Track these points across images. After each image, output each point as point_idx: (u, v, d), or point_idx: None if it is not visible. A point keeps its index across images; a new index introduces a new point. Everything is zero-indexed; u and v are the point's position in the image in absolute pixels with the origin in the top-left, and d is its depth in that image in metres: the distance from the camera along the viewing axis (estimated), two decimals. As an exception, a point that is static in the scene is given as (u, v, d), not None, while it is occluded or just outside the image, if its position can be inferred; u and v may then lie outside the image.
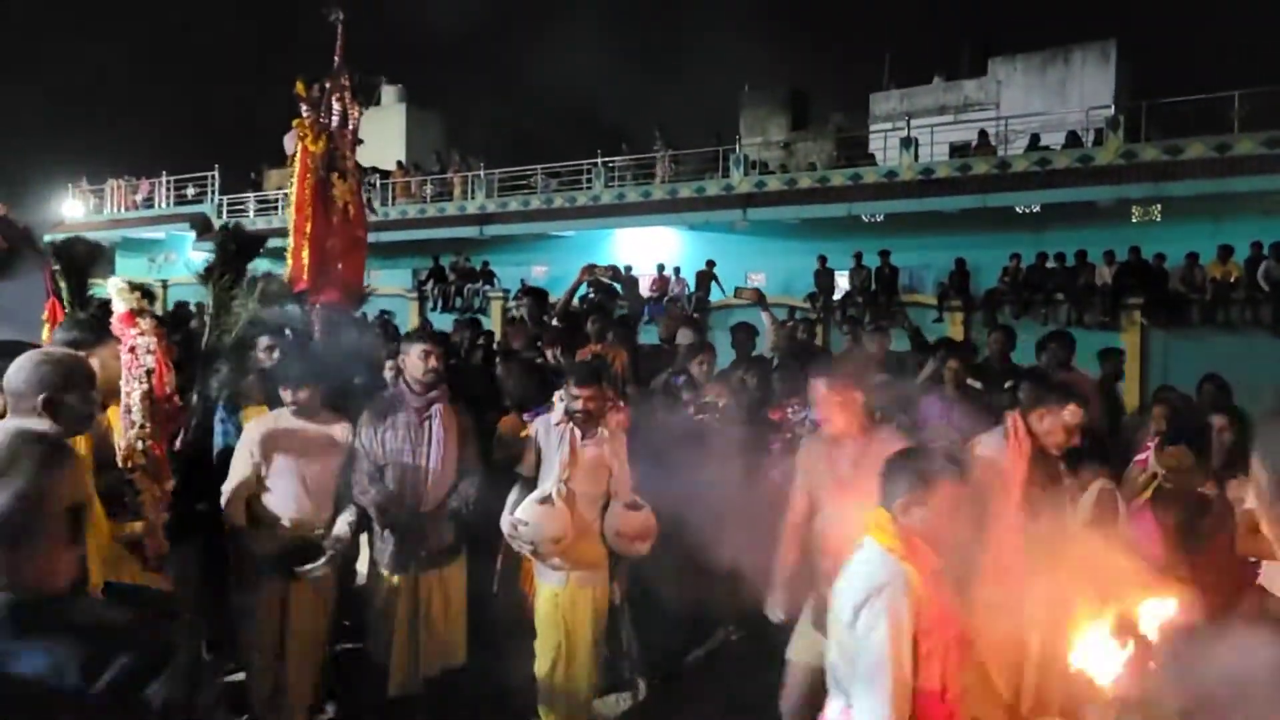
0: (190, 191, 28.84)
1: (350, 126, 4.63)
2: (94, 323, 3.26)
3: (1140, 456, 4.73)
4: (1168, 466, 4.25)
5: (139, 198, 29.61)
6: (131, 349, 3.09)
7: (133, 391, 3.08)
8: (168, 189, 28.99)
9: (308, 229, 4.23)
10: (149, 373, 3.09)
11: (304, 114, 4.34)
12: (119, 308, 3.12)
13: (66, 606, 1.53)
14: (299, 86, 4.34)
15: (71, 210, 30.19)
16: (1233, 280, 14.25)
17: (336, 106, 4.52)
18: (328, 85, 4.45)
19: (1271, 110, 15.33)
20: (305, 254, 4.24)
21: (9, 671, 1.38)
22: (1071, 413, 3.58)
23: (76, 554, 1.62)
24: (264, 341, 4.43)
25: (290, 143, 4.36)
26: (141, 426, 3.04)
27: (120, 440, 3.10)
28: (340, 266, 4.58)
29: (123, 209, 29.40)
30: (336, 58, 4.55)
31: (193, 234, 27.10)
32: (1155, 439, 4.60)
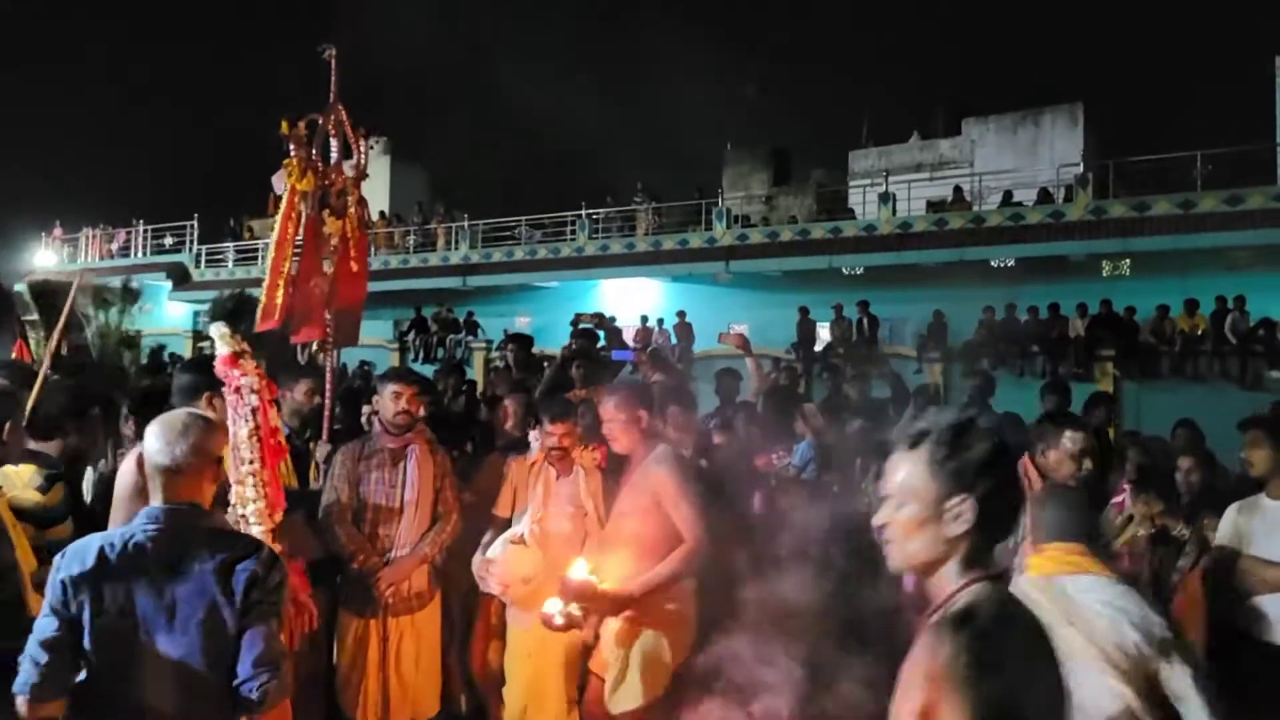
0: (168, 241, 28.84)
1: (355, 160, 4.57)
2: (206, 367, 3.41)
3: (1116, 500, 4.86)
4: (1139, 511, 4.38)
5: (115, 246, 29.54)
6: (236, 389, 3.22)
7: (239, 430, 3.18)
8: (145, 238, 28.96)
9: (285, 268, 4.11)
10: (254, 411, 3.22)
11: (292, 152, 4.23)
12: (221, 351, 3.26)
13: None
14: (284, 125, 4.26)
15: (44, 259, 29.99)
16: (1200, 333, 14.62)
17: (334, 142, 4.45)
18: (319, 121, 4.37)
19: (1231, 169, 15.89)
20: (280, 293, 4.09)
21: None
22: (1071, 439, 3.60)
23: None
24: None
25: (279, 182, 4.28)
26: (251, 463, 3.15)
27: (231, 477, 3.18)
28: (333, 305, 4.50)
29: (98, 258, 29.28)
30: (331, 92, 4.50)
31: (169, 283, 27.09)
32: (1130, 483, 4.74)
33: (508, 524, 4.24)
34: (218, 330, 3.26)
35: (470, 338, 20.94)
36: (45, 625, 2.17)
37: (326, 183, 4.37)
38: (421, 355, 20.80)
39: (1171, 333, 14.90)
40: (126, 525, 2.32)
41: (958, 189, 19.44)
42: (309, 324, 4.34)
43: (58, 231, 30.70)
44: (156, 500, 2.29)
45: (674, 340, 18.85)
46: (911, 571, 1.64)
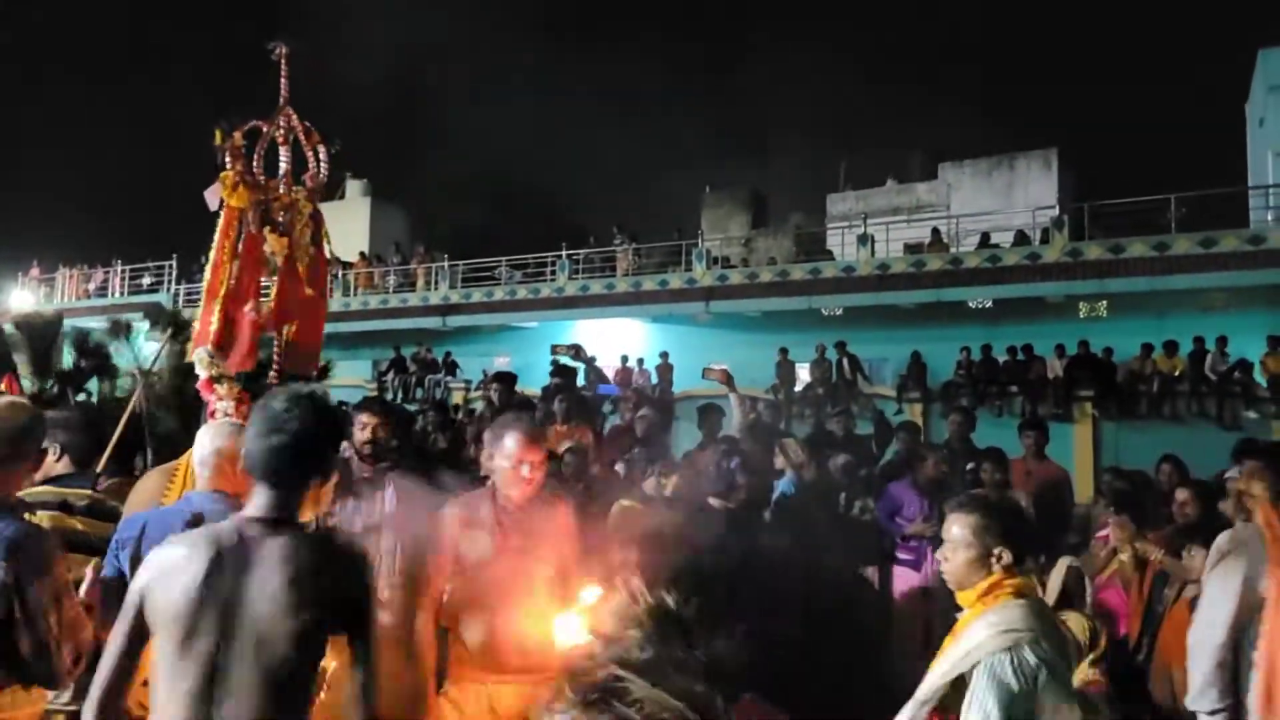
0: (146, 280, 28.65)
1: (311, 171, 4.11)
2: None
3: (1101, 533, 4.82)
4: (1118, 540, 4.34)
5: (92, 286, 29.30)
6: (211, 413, 3.23)
7: None
8: (122, 278, 28.76)
9: (221, 291, 3.76)
10: None
11: (225, 164, 3.79)
12: (200, 375, 3.27)
13: None
14: (217, 135, 3.82)
15: (20, 300, 29.71)
16: (1178, 373, 14.73)
17: (284, 151, 4.00)
18: (263, 128, 3.94)
19: (1204, 212, 16.15)
20: (214, 317, 3.73)
21: None
22: None
23: None
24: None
25: (213, 198, 3.88)
26: None
27: None
28: (280, 332, 4.06)
29: (74, 298, 29.02)
30: (281, 95, 4.02)
31: (145, 324, 26.82)
32: (1114, 515, 4.70)
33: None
34: (198, 355, 3.29)
35: (449, 378, 20.82)
36: None
37: (269, 198, 3.95)
38: (400, 395, 20.62)
39: (1150, 373, 15.01)
40: None
41: (935, 231, 19.65)
42: (238, 352, 3.86)
43: (35, 271, 30.44)
44: None
45: (654, 380, 18.80)
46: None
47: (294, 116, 4.02)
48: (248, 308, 3.87)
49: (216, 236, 3.84)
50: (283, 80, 4.03)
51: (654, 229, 23.34)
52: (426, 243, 26.53)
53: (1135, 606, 4.09)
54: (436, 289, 23.55)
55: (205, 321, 3.77)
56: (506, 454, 3.26)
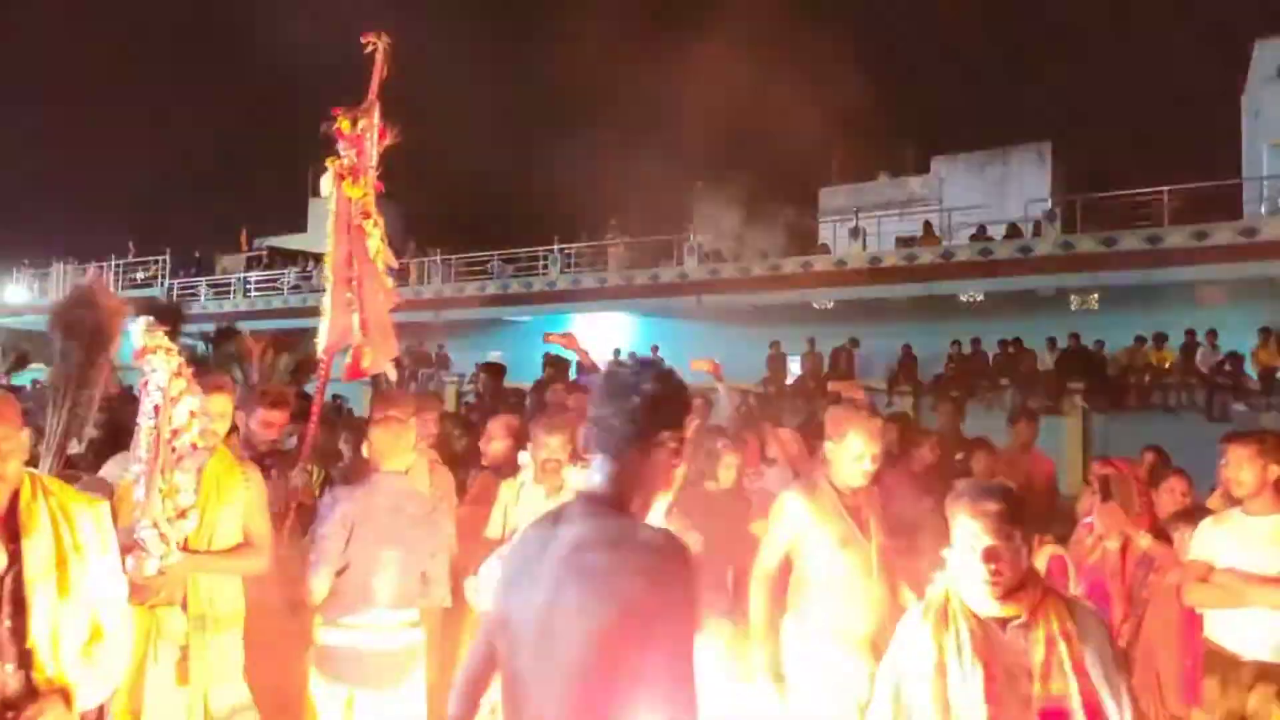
0: (140, 275, 28.57)
1: (377, 170, 4.13)
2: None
3: (1086, 520, 4.81)
4: (1108, 526, 4.33)
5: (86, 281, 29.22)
6: (144, 384, 3.01)
7: (142, 426, 2.98)
8: (117, 273, 28.67)
9: (350, 289, 3.83)
10: (156, 409, 2.97)
11: (341, 153, 3.78)
12: (135, 344, 3.03)
13: None
14: (343, 122, 3.80)
15: (14, 295, 29.62)
16: (1167, 366, 14.75)
17: (368, 145, 3.96)
18: (361, 121, 3.90)
19: (1198, 205, 16.15)
20: (355, 319, 3.81)
21: None
22: None
23: None
24: None
25: (326, 185, 3.84)
26: (142, 462, 2.93)
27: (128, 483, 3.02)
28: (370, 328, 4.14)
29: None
30: (372, 88, 3.94)
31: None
32: (1099, 503, 4.69)
33: (499, 545, 4.15)
34: (136, 325, 3.06)
35: (443, 372, 20.77)
36: None
37: (367, 192, 4.01)
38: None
39: (1140, 365, 15.02)
40: None
41: (927, 224, 19.63)
42: (386, 343, 4.08)
43: (27, 268, 30.35)
44: None
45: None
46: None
47: (378, 112, 4.03)
48: (350, 298, 3.98)
49: (335, 229, 3.87)
50: (375, 73, 4.01)
51: (646, 223, 23.30)
52: (418, 237, 26.48)
53: (1120, 593, 4.08)
54: (429, 283, 23.49)
55: (338, 323, 3.85)
56: (851, 449, 3.51)
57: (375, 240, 4.00)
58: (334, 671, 3.46)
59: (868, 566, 3.49)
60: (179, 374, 3.02)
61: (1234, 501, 3.77)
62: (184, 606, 3.16)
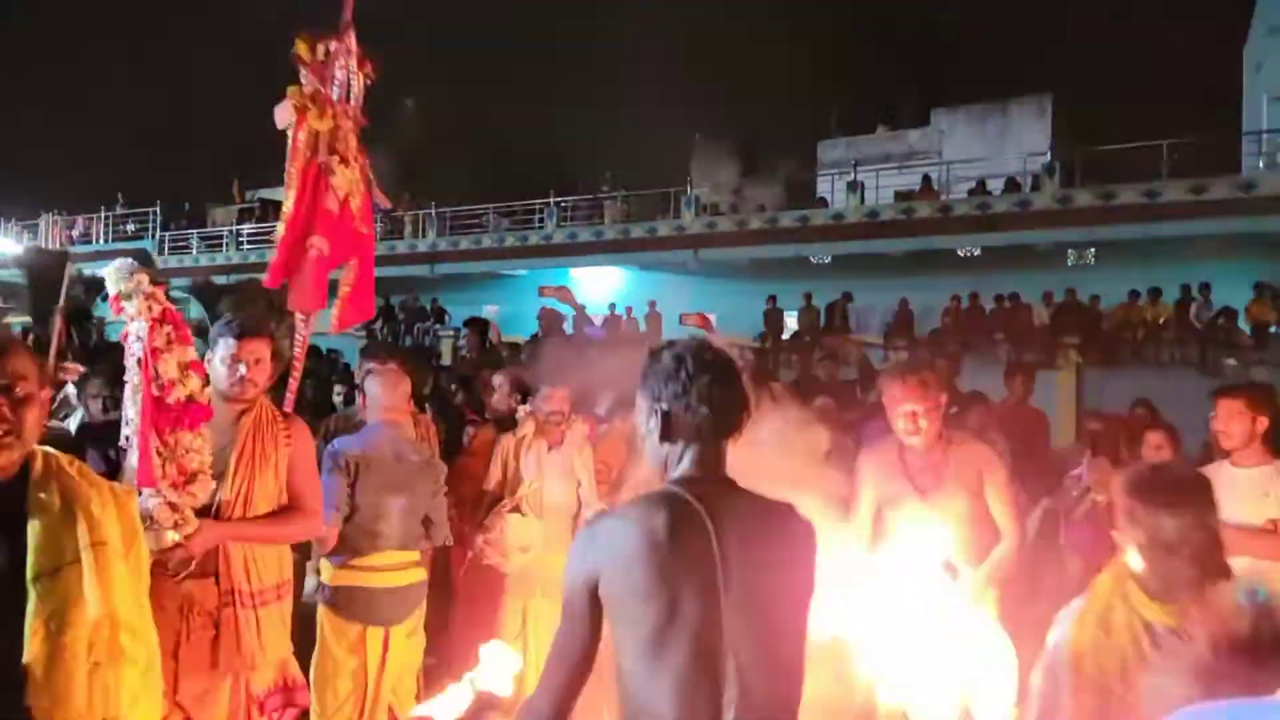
0: (130, 227, 28.36)
1: (354, 100, 3.76)
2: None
3: (1074, 473, 4.88)
4: (1098, 480, 4.39)
5: (75, 233, 29.01)
6: (124, 336, 2.71)
7: (126, 388, 2.70)
8: (106, 224, 28.45)
9: (315, 240, 3.54)
10: (139, 363, 2.64)
11: (304, 82, 3.44)
12: (110, 289, 2.71)
13: None
14: (301, 47, 3.45)
15: (1, 245, 29.41)
16: (1162, 321, 14.79)
17: (339, 75, 3.64)
18: (332, 47, 3.58)
19: (1198, 159, 16.06)
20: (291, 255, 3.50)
21: None
22: None
23: None
24: None
25: (284, 115, 3.50)
26: (132, 424, 2.62)
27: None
28: (352, 276, 3.84)
29: (57, 245, 28.74)
30: (345, 12, 3.63)
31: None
32: (1089, 456, 4.75)
33: (498, 499, 4.23)
34: (113, 267, 2.74)
35: (438, 325, 20.75)
36: None
37: (337, 124, 3.63)
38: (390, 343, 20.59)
39: (1135, 320, 15.06)
40: None
41: (926, 178, 19.52)
42: (306, 290, 3.61)
43: (14, 220, 30.10)
44: None
45: (643, 328, 18.78)
46: None
47: (354, 39, 3.72)
48: (315, 242, 3.59)
49: (294, 163, 3.51)
50: None
51: (643, 176, 23.13)
52: (413, 190, 26.27)
53: (1109, 545, 4.14)
54: (424, 237, 23.37)
55: (281, 253, 3.53)
56: (890, 409, 3.50)
57: (346, 178, 3.63)
58: (346, 611, 3.56)
59: (918, 527, 3.39)
60: (162, 321, 2.68)
61: (1223, 454, 3.82)
62: (216, 579, 2.83)
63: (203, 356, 2.93)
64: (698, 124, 27.31)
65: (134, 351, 2.65)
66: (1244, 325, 14.39)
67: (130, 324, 2.68)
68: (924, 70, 28.85)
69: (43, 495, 1.70)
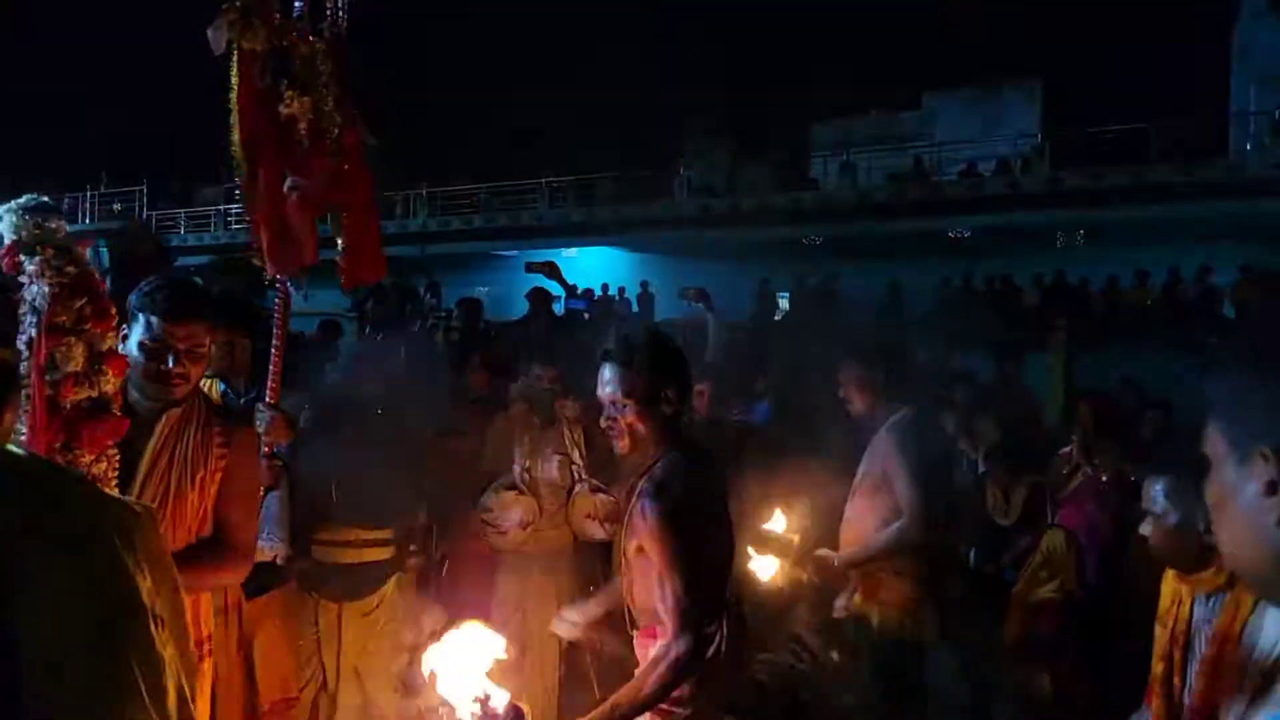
0: (116, 206, 28.16)
1: (332, 18, 3.16)
2: None
3: (1064, 450, 4.96)
4: (1101, 458, 4.45)
5: (61, 211, 28.78)
6: (17, 301, 1.98)
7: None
8: (92, 203, 28.24)
9: (260, 172, 2.92)
10: (29, 344, 1.94)
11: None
12: (6, 236, 2.04)
13: None
14: None
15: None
16: (1149, 303, 14.93)
17: None
18: None
19: (1187, 142, 16.16)
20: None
21: None
22: None
23: None
24: None
25: (218, 38, 2.91)
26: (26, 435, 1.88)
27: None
28: (342, 220, 3.21)
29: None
30: None
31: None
32: (1081, 433, 4.82)
33: (492, 477, 4.25)
34: (15, 204, 2.09)
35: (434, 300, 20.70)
36: None
37: (285, 43, 2.99)
38: (380, 325, 20.53)
39: (1127, 303, 15.21)
40: None
41: (917, 160, 19.57)
42: (289, 244, 3.01)
43: (-1, 197, 29.85)
44: None
45: (635, 309, 18.82)
46: None
47: None
48: (294, 182, 3.00)
49: (235, 92, 2.94)
50: None
51: (636, 157, 23.10)
52: (404, 169, 26.15)
53: (1107, 522, 4.20)
54: (415, 217, 23.30)
55: (256, 217, 3.02)
56: None
57: (305, 107, 3.00)
58: (310, 586, 3.54)
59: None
60: (73, 290, 1.96)
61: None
62: None
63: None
64: (691, 105, 27.25)
65: (27, 328, 1.94)
66: (1229, 308, 14.53)
67: (26, 288, 1.96)
68: (916, 52, 28.77)
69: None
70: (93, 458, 1.95)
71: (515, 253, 22.20)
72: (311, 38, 3.11)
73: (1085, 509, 4.25)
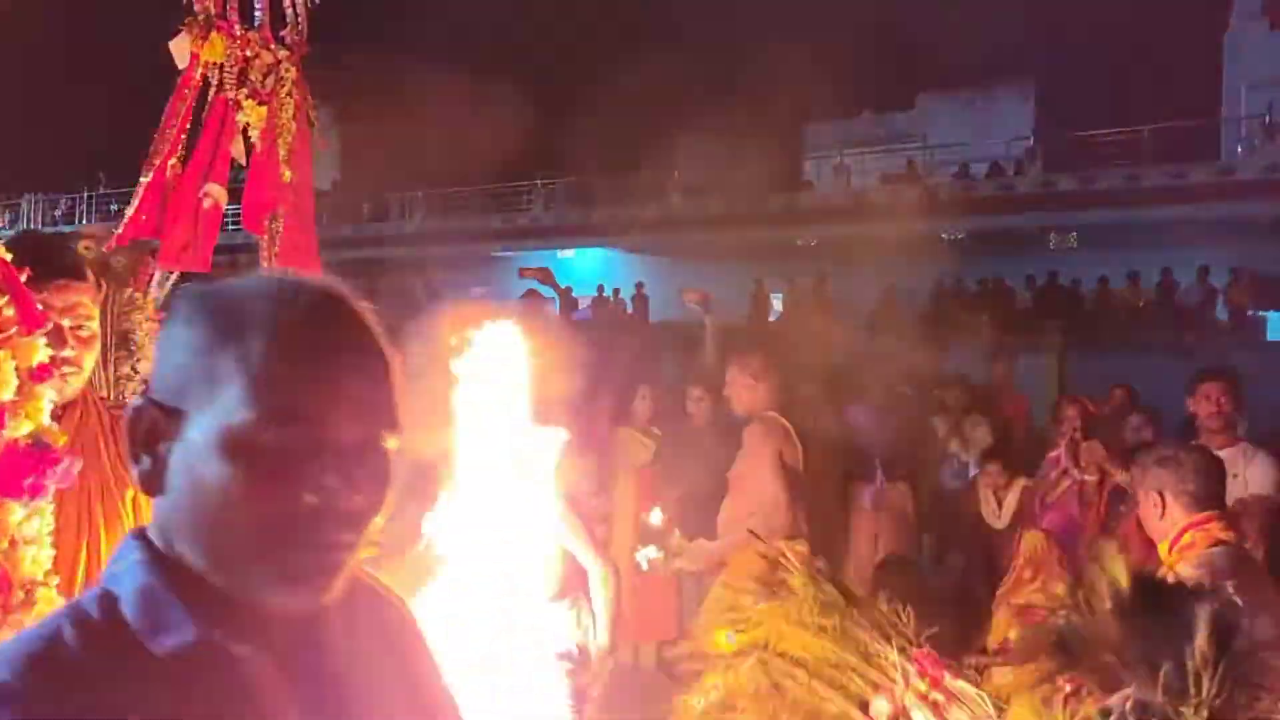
0: (114, 207, 28.09)
1: (293, 25, 3.17)
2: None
3: (1053, 454, 5.01)
4: (1088, 461, 4.51)
5: (58, 213, 28.72)
6: None
7: None
8: (90, 204, 28.18)
9: (171, 164, 2.93)
10: None
11: (196, 7, 2.88)
12: None
13: None
14: None
15: (-18, 231, 29.13)
16: (1142, 305, 15.02)
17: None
18: None
19: (1178, 145, 16.25)
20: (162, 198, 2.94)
21: None
22: None
23: None
24: None
25: (181, 51, 2.96)
26: None
27: None
28: (277, 224, 3.17)
29: (40, 225, 28.44)
30: None
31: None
32: (1069, 437, 4.88)
33: None
34: None
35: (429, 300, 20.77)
36: None
37: (247, 54, 3.03)
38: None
39: (1116, 304, 15.29)
40: None
41: (910, 163, 19.64)
42: (187, 245, 2.95)
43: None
44: None
45: (630, 310, 18.87)
46: None
47: None
48: (209, 190, 2.97)
49: (172, 98, 2.96)
50: None
51: (631, 159, 23.12)
52: (400, 172, 26.15)
53: (1094, 524, 4.25)
54: (410, 219, 23.30)
55: (145, 202, 2.92)
56: None
57: (258, 115, 3.03)
58: None
59: None
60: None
61: (1201, 434, 3.96)
62: None
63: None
64: (685, 107, 27.29)
65: None
66: (1222, 310, 14.63)
67: None
68: (909, 54, 28.82)
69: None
70: (26, 511, 1.44)
71: (510, 254, 22.22)
72: (273, 45, 3.11)
73: (1069, 512, 4.30)
